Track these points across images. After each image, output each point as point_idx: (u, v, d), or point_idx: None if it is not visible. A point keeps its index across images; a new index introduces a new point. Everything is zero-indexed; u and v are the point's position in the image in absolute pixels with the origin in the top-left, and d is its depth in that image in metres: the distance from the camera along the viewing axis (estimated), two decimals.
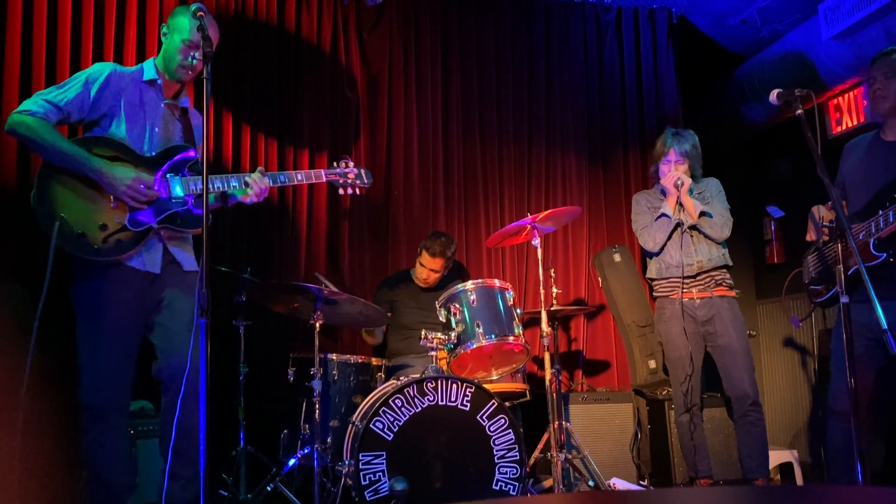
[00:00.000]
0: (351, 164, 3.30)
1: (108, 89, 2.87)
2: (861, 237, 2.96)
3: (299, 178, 3.15)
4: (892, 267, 2.90)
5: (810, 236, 3.33)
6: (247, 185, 2.98)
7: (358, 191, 3.30)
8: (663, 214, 3.90)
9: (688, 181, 3.85)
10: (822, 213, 3.25)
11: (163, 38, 2.99)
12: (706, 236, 3.86)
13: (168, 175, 2.87)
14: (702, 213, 3.85)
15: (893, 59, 3.10)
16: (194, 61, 2.93)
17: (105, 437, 2.71)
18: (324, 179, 3.21)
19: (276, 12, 4.71)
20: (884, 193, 2.96)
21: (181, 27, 2.91)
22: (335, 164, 3.30)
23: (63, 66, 4.04)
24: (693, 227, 3.86)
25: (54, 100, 2.79)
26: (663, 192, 3.96)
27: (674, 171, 3.87)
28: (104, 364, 2.73)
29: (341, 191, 3.28)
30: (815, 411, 4.99)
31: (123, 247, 2.76)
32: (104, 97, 2.86)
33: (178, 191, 2.86)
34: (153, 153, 2.90)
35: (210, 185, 2.85)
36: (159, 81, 2.98)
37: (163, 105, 2.99)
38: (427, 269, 4.30)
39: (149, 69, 2.99)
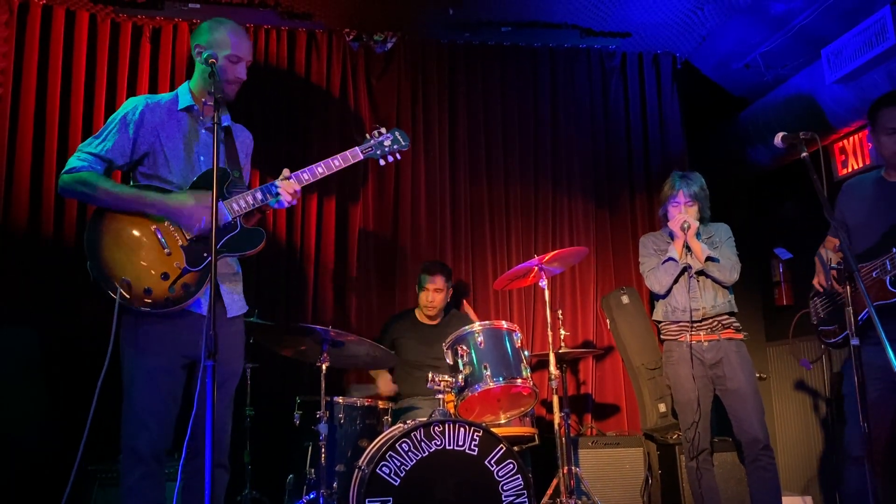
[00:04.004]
0: (383, 130, 3.07)
1: (143, 127, 2.76)
2: (875, 275, 2.93)
3: (336, 163, 2.93)
4: None
5: (818, 280, 3.29)
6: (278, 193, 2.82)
7: (399, 156, 3.09)
8: (670, 258, 3.89)
9: (695, 224, 3.84)
10: (828, 255, 3.23)
11: (197, 59, 2.83)
12: (714, 280, 3.84)
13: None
14: (709, 258, 3.84)
15: None
16: (242, 75, 2.84)
17: (143, 482, 2.57)
18: (361, 157, 2.99)
19: (286, 57, 4.81)
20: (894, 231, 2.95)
21: (222, 43, 2.79)
22: (367, 136, 3.07)
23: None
24: (700, 273, 3.84)
25: (95, 150, 2.73)
26: (671, 235, 3.96)
27: (680, 215, 3.87)
28: (147, 406, 2.59)
29: (382, 161, 3.07)
30: (828, 456, 4.90)
31: (191, 290, 2.65)
32: (142, 136, 2.76)
33: (226, 215, 2.73)
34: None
35: (244, 203, 2.75)
36: (196, 108, 2.84)
37: (203, 131, 2.84)
38: (430, 290, 4.36)
39: (184, 96, 2.85)
